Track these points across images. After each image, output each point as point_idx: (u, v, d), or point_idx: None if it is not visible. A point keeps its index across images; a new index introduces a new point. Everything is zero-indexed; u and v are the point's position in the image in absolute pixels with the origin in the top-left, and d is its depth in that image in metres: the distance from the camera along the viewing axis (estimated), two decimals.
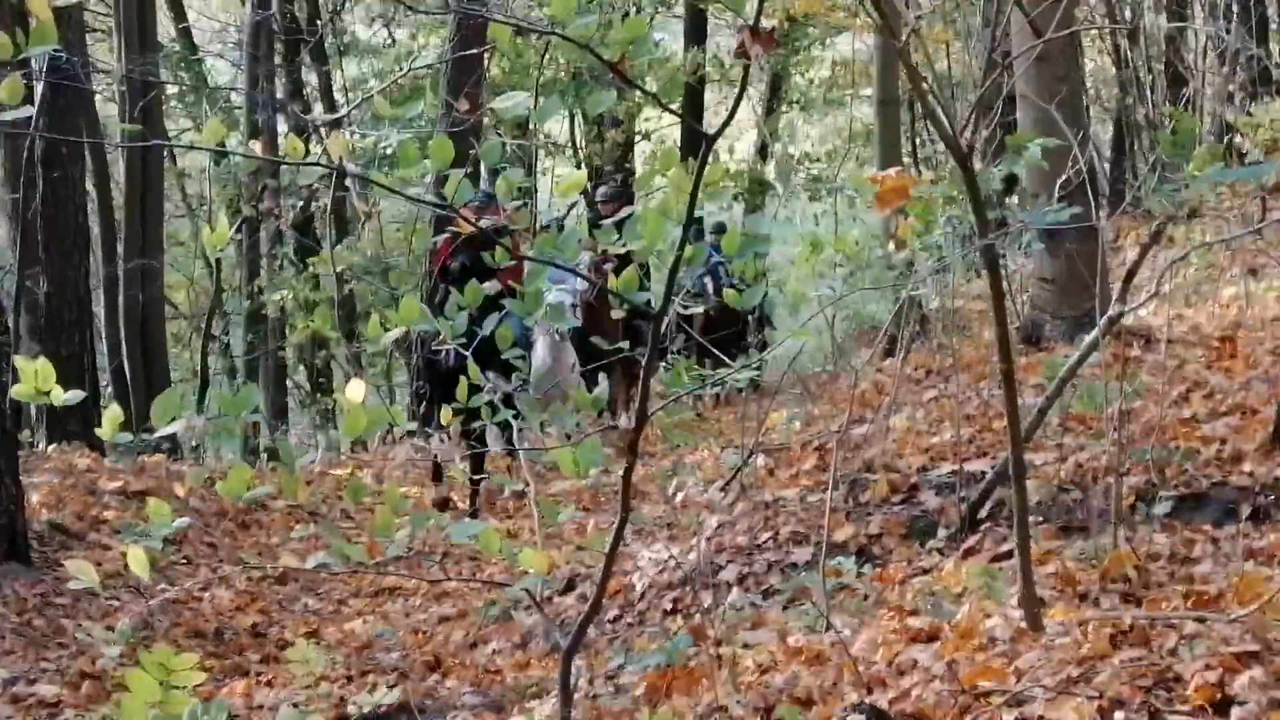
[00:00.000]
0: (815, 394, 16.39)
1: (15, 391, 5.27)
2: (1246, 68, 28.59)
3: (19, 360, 5.06)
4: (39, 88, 17.07)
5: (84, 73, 21.44)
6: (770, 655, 7.92)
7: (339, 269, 24.55)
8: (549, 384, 13.62)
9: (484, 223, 12.02)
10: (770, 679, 7.50)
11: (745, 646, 8.26)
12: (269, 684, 10.83)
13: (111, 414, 5.43)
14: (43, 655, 11.59)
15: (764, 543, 10.41)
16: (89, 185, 24.27)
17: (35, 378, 5.09)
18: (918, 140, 36.11)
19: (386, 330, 6.01)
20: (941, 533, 9.75)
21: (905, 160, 24.28)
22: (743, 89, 5.59)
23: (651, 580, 10.63)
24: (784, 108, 36.48)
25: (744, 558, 10.34)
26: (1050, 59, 14.18)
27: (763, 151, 35.79)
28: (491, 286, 11.98)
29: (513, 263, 14.20)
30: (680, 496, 12.52)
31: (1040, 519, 9.08)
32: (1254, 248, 16.91)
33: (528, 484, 8.21)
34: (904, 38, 6.65)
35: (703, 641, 8.71)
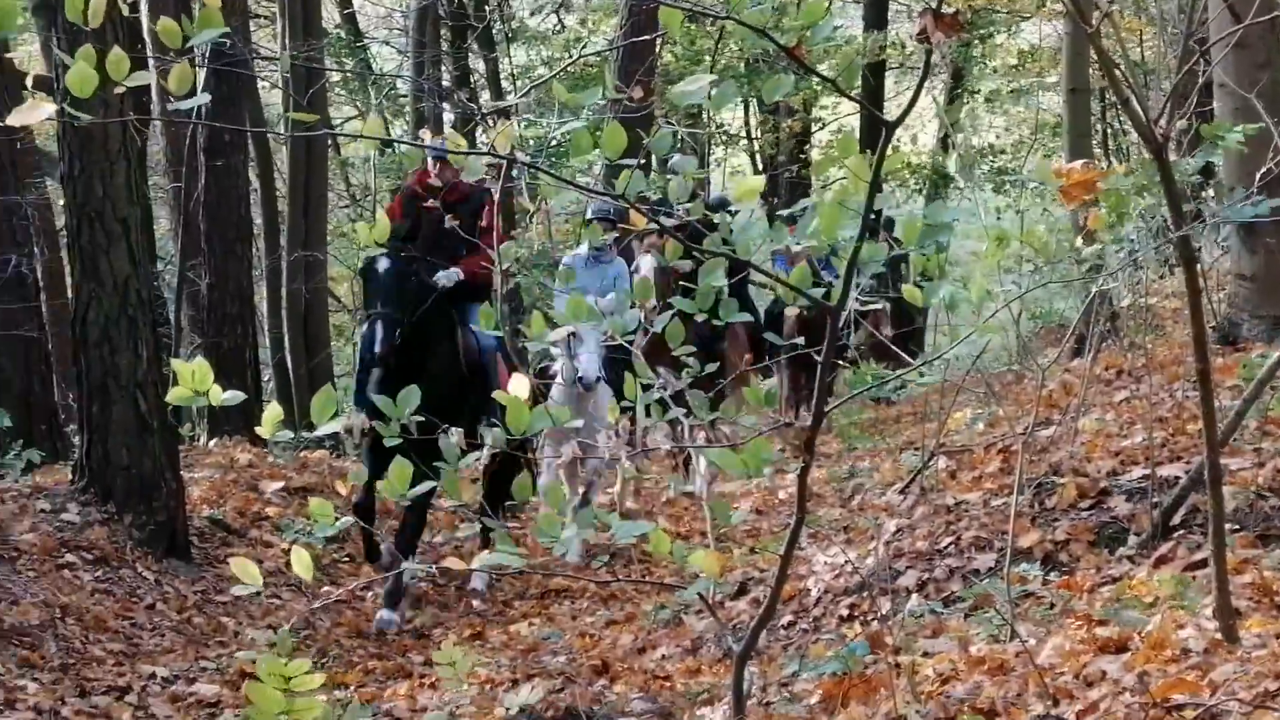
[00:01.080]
0: (1000, 394, 16.17)
1: (173, 395, 5.37)
2: None
3: (176, 363, 5.11)
4: (202, 75, 17.21)
5: (248, 60, 21.65)
6: (951, 664, 7.84)
7: (504, 264, 24.58)
8: (565, 431, 12.65)
9: (448, 171, 12.56)
10: (951, 689, 7.42)
11: (925, 655, 8.19)
12: (432, 686, 10.87)
13: (272, 412, 5.48)
14: (202, 654, 11.73)
15: (945, 548, 10.31)
16: (252, 175, 24.52)
17: (192, 379, 5.13)
18: (1108, 131, 35.57)
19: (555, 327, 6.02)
20: (1132, 540, 9.58)
21: (1095, 151, 23.84)
22: (925, 76, 5.55)
23: (827, 585, 10.57)
24: (967, 97, 36.15)
25: (924, 563, 10.25)
26: (1250, 45, 13.85)
27: (944, 142, 35.38)
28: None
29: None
30: (858, 499, 12.47)
31: (1236, 526, 8.90)
32: None
33: (697, 483, 8.18)
34: (1096, 24, 6.57)
35: (880, 649, 8.65)
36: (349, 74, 31.40)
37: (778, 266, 17.50)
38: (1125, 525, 9.88)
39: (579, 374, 12.87)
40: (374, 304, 11.94)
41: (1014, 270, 11.81)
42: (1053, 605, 8.60)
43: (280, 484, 16.11)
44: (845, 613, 10.05)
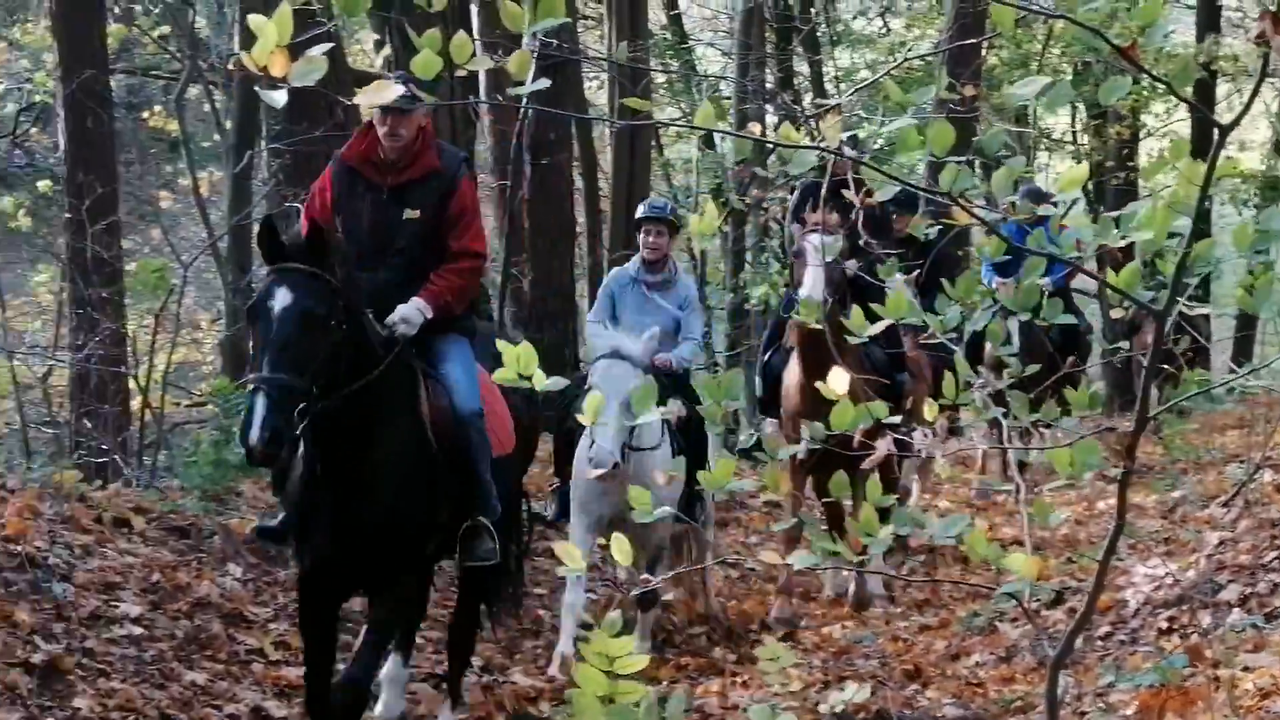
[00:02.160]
0: None
1: (497, 375, 5.51)
2: None
3: (502, 344, 5.24)
4: (531, 69, 17.43)
5: (576, 59, 21.91)
6: (1272, 679, 7.79)
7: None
8: (602, 502, 10.95)
9: (405, 129, 8.19)
10: (1271, 704, 7.38)
11: (1245, 669, 8.15)
12: (744, 685, 10.96)
13: (593, 401, 5.59)
14: (518, 646, 11.88)
15: (1270, 562, 10.20)
16: (575, 175, 24.81)
17: (517, 361, 5.25)
18: None
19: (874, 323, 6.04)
20: None
21: None
22: (1261, 80, 5.51)
23: (1146, 597, 10.51)
24: None
25: (1247, 576, 10.16)
26: None
27: (1278, 148, 34.67)
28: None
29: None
30: (1180, 511, 12.34)
31: None
32: None
33: (1018, 485, 8.14)
34: None
35: (1200, 662, 8.60)
36: (674, 75, 31.63)
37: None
38: None
39: (590, 456, 10.46)
40: (259, 364, 7.13)
41: None
42: None
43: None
44: (1164, 625, 10.01)
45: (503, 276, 21.94)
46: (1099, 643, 10.10)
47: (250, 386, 7.16)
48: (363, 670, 8.13)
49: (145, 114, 27.47)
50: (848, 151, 5.39)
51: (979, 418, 6.61)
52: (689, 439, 11.11)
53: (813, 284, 11.05)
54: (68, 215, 17.62)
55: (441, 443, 8.13)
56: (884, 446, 6.82)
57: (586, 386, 10.29)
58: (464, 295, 8.40)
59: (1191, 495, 12.39)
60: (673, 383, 10.61)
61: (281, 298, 7.13)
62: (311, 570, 8.01)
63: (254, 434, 6.90)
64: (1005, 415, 6.73)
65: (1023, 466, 14.09)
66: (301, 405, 7.09)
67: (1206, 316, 19.24)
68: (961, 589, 11.74)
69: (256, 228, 9.11)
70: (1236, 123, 5.10)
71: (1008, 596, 5.63)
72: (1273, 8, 5.01)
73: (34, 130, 25.98)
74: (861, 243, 10.49)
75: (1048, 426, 9.76)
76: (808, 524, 5.97)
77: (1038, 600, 9.98)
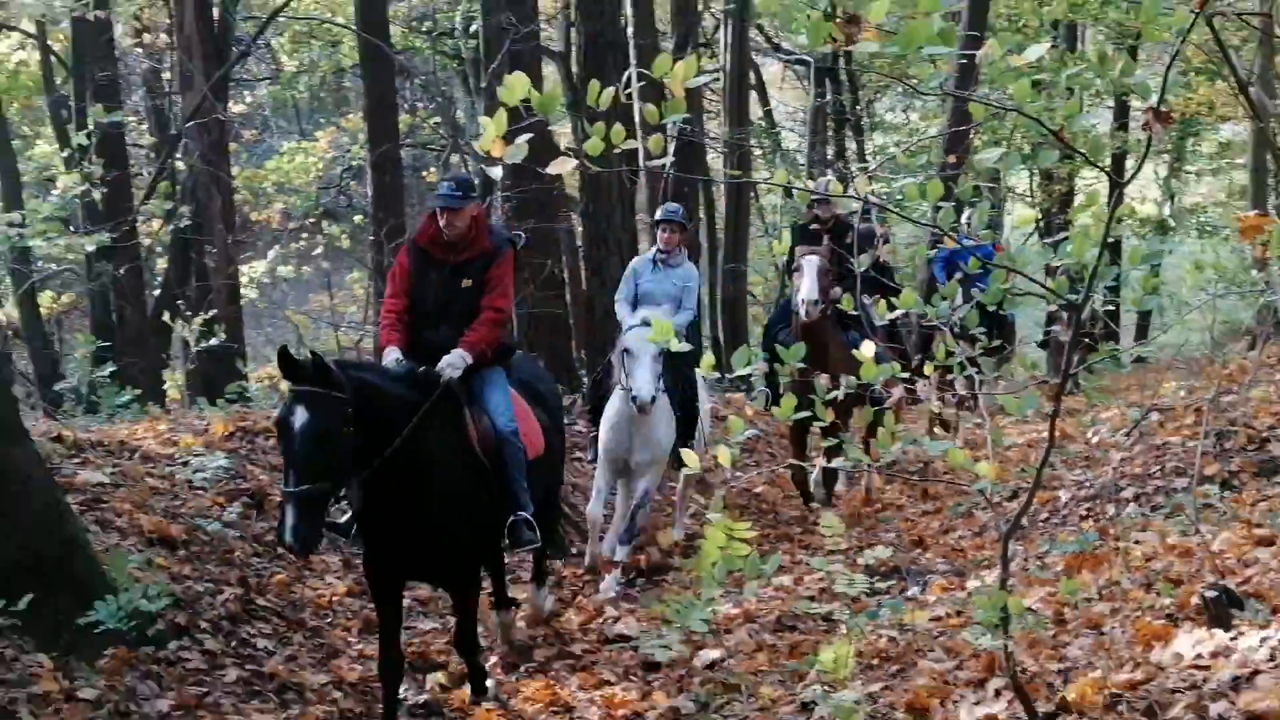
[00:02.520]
0: (1196, 372, 15.73)
1: (650, 336, 5.48)
2: None
3: (652, 315, 5.23)
4: (671, 145, 17.25)
5: (700, 139, 21.83)
6: (1154, 549, 7.81)
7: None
8: (624, 444, 10.22)
9: (460, 221, 7.39)
10: (1152, 565, 7.37)
11: (1136, 543, 8.15)
12: (805, 547, 10.99)
13: (708, 359, 5.59)
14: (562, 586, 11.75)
15: (1153, 473, 10.15)
16: (700, 212, 24.70)
17: (660, 330, 5.27)
18: None
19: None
20: None
21: (1273, 204, 22.80)
22: (1146, 153, 5.42)
23: (1072, 494, 10.48)
24: (1184, 169, 34.95)
25: (1139, 483, 10.10)
26: None
27: (1170, 196, 34.25)
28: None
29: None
30: (1096, 439, 12.24)
31: None
32: None
33: (984, 419, 8.09)
34: (1267, 122, 6.39)
35: (1106, 537, 8.61)
36: (766, 150, 31.54)
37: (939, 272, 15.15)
38: (1276, 460, 9.67)
39: (633, 394, 9.55)
40: (287, 478, 6.20)
41: (1209, 287, 11.47)
42: (1225, 513, 8.45)
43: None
44: (1083, 513, 9.98)
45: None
46: (1040, 524, 10.07)
47: (280, 498, 6.30)
48: (468, 650, 7.50)
49: (424, 173, 27.78)
50: (870, 199, 5.27)
51: (958, 374, 6.48)
52: (683, 403, 10.60)
53: (809, 288, 11.08)
54: (372, 238, 17.73)
55: (486, 455, 7.34)
56: (897, 393, 6.76)
57: (622, 349, 9.94)
58: (495, 342, 7.57)
59: (1103, 429, 12.28)
60: (673, 359, 9.72)
61: (299, 416, 6.12)
62: (377, 559, 7.12)
63: (288, 539, 6.06)
64: (979, 373, 6.71)
65: (946, 425, 13.90)
66: (323, 506, 6.30)
67: (1116, 311, 18.98)
68: (950, 487, 11.63)
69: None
70: (1129, 181, 5.04)
71: (979, 493, 5.60)
72: (1155, 104, 4.95)
73: (352, 183, 26.20)
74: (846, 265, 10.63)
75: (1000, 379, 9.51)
76: (845, 441, 5.96)
77: (999, 496, 9.88)
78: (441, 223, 7.45)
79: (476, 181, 7.17)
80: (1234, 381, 13.00)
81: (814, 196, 11.66)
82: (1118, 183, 4.64)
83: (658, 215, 11.17)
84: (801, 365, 5.36)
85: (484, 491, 7.25)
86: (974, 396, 11.98)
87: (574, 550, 11.07)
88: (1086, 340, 14.32)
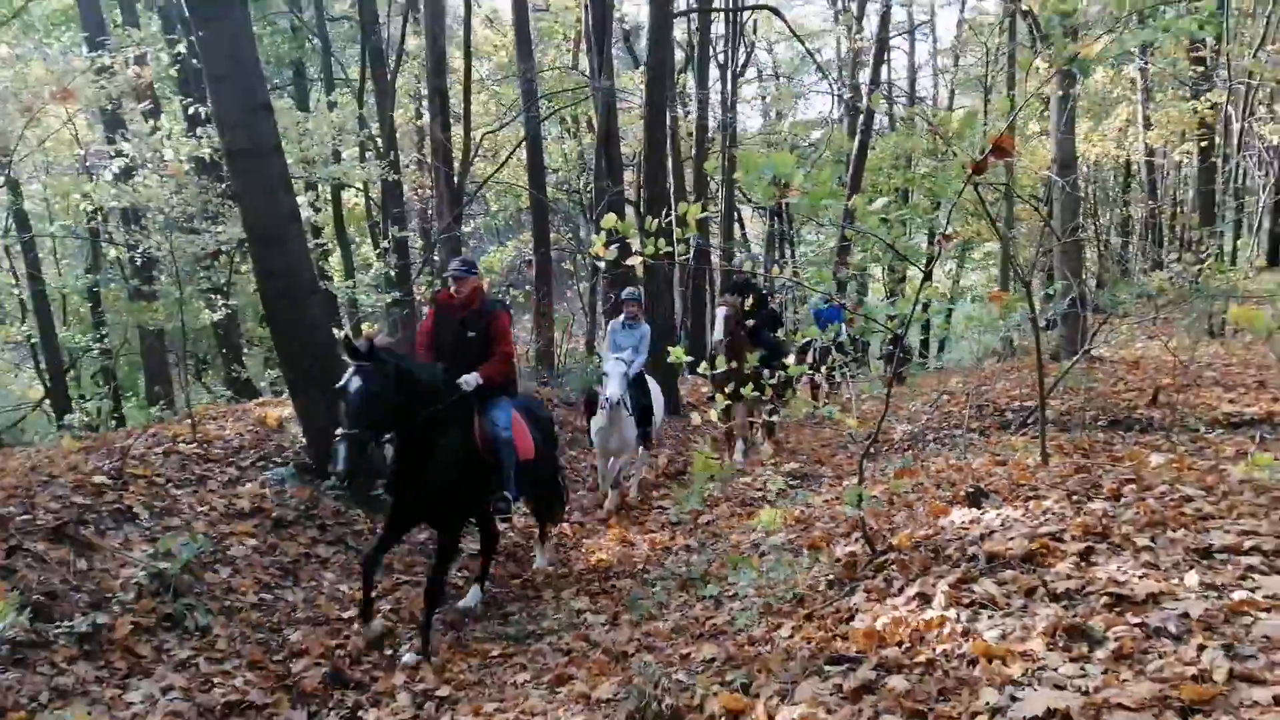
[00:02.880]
0: (968, 373, 15.49)
1: (673, 356, 5.25)
2: None
3: (616, 354, 5.09)
4: (690, 250, 16.63)
5: (706, 246, 21.59)
6: (941, 467, 7.41)
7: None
8: (609, 439, 9.02)
9: (465, 288, 6.44)
10: (942, 475, 7.06)
11: (931, 462, 7.81)
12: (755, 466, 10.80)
13: (678, 351, 5.48)
14: (563, 549, 11.42)
15: (943, 426, 10.02)
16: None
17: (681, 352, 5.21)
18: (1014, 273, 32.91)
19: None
20: (1013, 426, 9.17)
21: (1013, 281, 22.34)
22: (937, 257, 5.32)
23: (901, 435, 10.12)
24: (965, 263, 33.67)
25: (935, 432, 9.93)
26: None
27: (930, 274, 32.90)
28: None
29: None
30: (914, 409, 12.00)
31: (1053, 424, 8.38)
32: None
33: (850, 396, 7.85)
34: (1007, 244, 6.23)
35: (917, 460, 8.36)
36: (741, 251, 31.14)
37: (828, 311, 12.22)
38: (1009, 420, 9.49)
39: (605, 395, 8.56)
40: (342, 423, 5.19)
41: (975, 328, 11.34)
42: (979, 449, 8.24)
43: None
44: (905, 446, 9.76)
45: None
46: (883, 452, 9.69)
47: (335, 437, 5.12)
48: (436, 575, 5.86)
49: (563, 263, 27.38)
50: (790, 279, 5.18)
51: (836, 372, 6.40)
52: (639, 412, 9.19)
53: (719, 331, 9.67)
54: (535, 299, 17.63)
55: (485, 450, 6.16)
56: (805, 383, 6.67)
57: (602, 372, 8.95)
58: (501, 374, 6.31)
59: (918, 403, 12.07)
60: (635, 379, 9.08)
61: (354, 382, 5.26)
62: (396, 509, 5.98)
63: (338, 467, 5.03)
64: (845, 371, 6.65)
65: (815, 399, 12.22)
66: (364, 448, 5.15)
67: (927, 340, 19.00)
68: (833, 431, 11.42)
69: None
70: (929, 273, 4.93)
71: (849, 435, 5.60)
72: (944, 231, 4.88)
73: (524, 266, 26.06)
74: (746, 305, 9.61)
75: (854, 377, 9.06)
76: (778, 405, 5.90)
77: (860, 436, 9.72)
78: (452, 289, 6.41)
79: (475, 260, 6.12)
80: (987, 379, 12.87)
81: (735, 272, 10.14)
82: (927, 274, 4.57)
83: (624, 296, 9.70)
84: (722, 373, 5.19)
85: (477, 471, 6.12)
86: (841, 383, 11.41)
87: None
88: (905, 355, 14.07)
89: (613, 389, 8.56)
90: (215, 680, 5.03)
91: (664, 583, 6.53)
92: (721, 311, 9.91)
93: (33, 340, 17.13)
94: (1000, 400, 10.64)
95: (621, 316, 9.76)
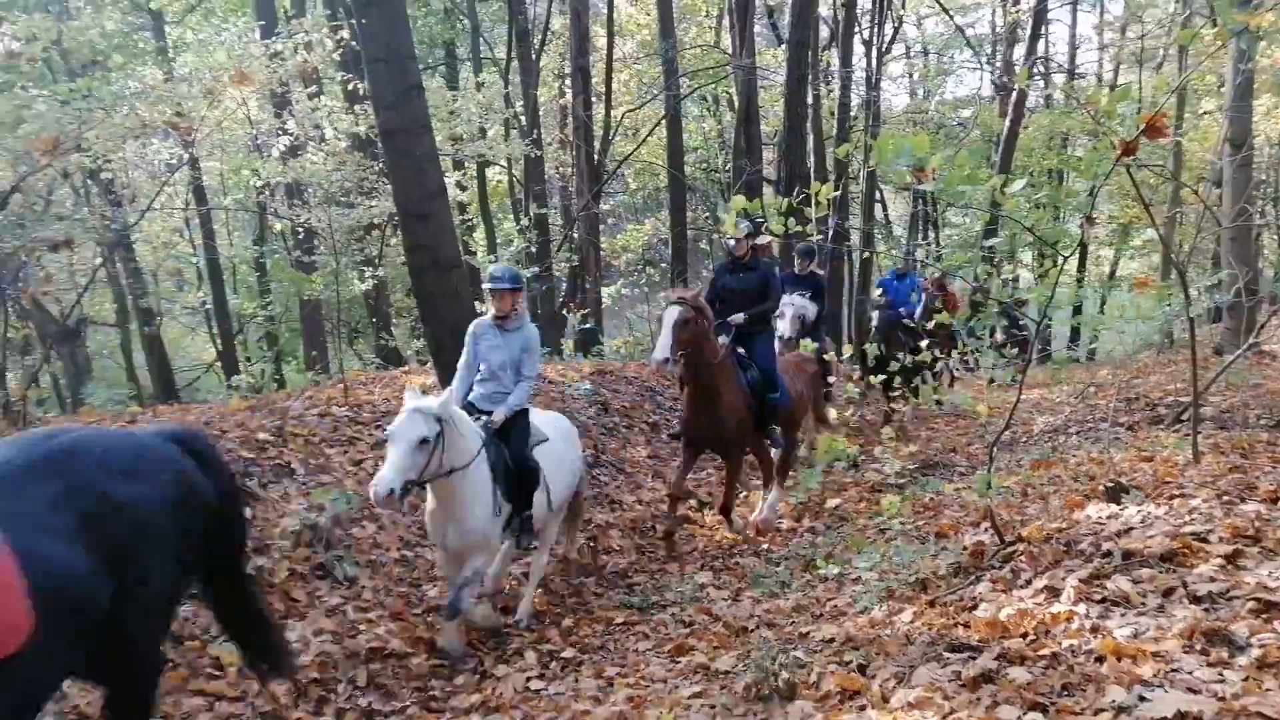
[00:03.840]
0: (1118, 366, 14.70)
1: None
2: None
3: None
4: (829, 230, 16.41)
5: (843, 228, 21.18)
6: (1081, 460, 7.13)
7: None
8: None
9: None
10: (1080, 469, 6.83)
11: (1072, 456, 7.56)
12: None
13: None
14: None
15: (1087, 419, 9.58)
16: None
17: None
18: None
19: None
20: (1168, 421, 8.66)
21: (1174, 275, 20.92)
22: (1081, 240, 5.13)
23: (1042, 427, 9.79)
24: (1124, 251, 31.70)
25: (1078, 425, 9.47)
26: None
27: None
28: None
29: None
30: (1057, 398, 11.54)
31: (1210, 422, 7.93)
32: None
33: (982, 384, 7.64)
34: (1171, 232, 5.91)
35: (1056, 452, 8.09)
36: (882, 232, 30.39)
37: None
38: (1161, 416, 8.98)
39: (375, 484, 5.02)
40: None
41: (1127, 319, 10.77)
42: (1125, 444, 7.82)
43: None
44: (1046, 439, 9.35)
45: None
46: (1020, 443, 9.43)
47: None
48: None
49: (700, 243, 27.37)
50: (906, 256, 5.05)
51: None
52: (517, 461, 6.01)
53: (662, 346, 6.57)
54: (670, 274, 17.79)
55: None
56: (943, 369, 6.25)
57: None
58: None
59: (1061, 393, 11.60)
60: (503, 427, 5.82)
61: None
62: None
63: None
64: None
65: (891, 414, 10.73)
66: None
67: (1076, 329, 18.03)
68: (966, 419, 11.06)
69: None
70: (1067, 259, 4.75)
71: (981, 424, 5.47)
72: (1087, 214, 4.71)
73: (661, 244, 26.21)
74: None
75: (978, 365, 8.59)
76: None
77: (992, 426, 9.42)
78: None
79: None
80: (1141, 372, 12.24)
81: (729, 238, 7.58)
82: (1068, 258, 4.42)
83: (486, 283, 6.10)
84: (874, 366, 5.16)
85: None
86: (973, 370, 10.76)
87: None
88: (1023, 340, 12.96)
89: (389, 473, 5.05)
90: (361, 628, 5.23)
91: (788, 562, 6.55)
92: (670, 315, 6.80)
93: (207, 306, 18.42)
94: (1153, 394, 10.09)
95: (488, 315, 6.13)
